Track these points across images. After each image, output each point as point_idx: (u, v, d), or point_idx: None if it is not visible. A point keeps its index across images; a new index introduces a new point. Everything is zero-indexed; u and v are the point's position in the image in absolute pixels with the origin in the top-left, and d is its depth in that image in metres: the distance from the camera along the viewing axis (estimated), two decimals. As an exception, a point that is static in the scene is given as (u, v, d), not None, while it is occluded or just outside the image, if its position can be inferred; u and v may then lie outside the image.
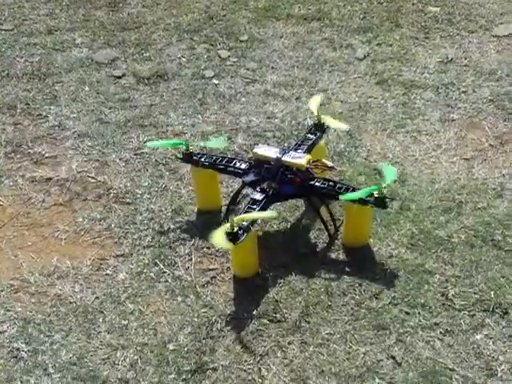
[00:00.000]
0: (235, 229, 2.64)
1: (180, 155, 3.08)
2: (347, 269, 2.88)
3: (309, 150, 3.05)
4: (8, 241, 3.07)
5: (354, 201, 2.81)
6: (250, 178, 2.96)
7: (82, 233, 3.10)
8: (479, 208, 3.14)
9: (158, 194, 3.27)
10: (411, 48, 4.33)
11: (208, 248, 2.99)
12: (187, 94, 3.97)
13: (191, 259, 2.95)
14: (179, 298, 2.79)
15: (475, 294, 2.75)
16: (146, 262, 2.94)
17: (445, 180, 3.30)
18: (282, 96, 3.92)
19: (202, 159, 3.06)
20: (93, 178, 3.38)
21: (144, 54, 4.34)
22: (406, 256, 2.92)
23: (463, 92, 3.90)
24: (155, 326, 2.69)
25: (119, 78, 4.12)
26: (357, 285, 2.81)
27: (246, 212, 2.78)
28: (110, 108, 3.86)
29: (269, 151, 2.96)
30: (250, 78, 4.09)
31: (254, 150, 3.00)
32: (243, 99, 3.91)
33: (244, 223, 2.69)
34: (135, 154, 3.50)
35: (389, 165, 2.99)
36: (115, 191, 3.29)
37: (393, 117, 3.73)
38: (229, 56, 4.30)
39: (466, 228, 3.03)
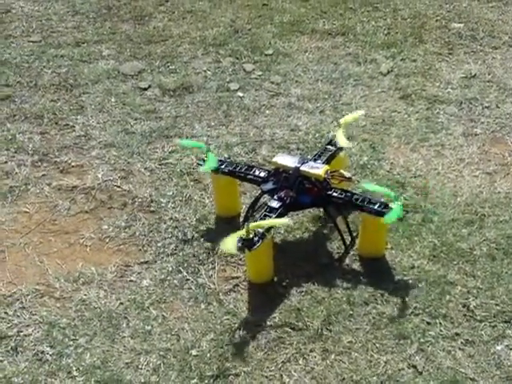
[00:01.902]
0: (251, 235, 2.67)
1: (201, 162, 3.12)
2: (369, 279, 2.90)
3: (328, 161, 3.09)
4: (34, 247, 3.11)
5: (369, 212, 2.84)
6: (269, 186, 2.99)
7: (107, 240, 3.13)
8: (501, 221, 3.15)
9: (183, 203, 3.30)
10: (435, 63, 4.36)
11: (231, 256, 3.01)
12: (212, 106, 4.01)
13: (214, 267, 2.98)
14: (202, 305, 2.82)
15: (496, 305, 2.76)
16: (170, 269, 2.97)
17: (467, 193, 3.32)
18: (306, 109, 3.95)
19: (222, 166, 3.09)
20: (118, 186, 3.42)
21: (170, 67, 4.39)
22: (427, 267, 2.93)
23: (486, 107, 3.93)
24: (178, 331, 2.71)
25: (145, 89, 4.17)
26: (378, 295, 2.82)
27: (262, 219, 2.81)
28: (135, 119, 3.90)
29: (288, 160, 3.00)
30: (275, 91, 4.13)
31: (274, 159, 3.04)
32: (267, 112, 3.95)
33: (259, 230, 2.72)
34: (160, 164, 3.54)
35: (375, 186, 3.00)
36: (140, 200, 3.33)
37: (416, 131, 3.75)
38: (254, 69, 4.35)
39: (487, 241, 3.05)
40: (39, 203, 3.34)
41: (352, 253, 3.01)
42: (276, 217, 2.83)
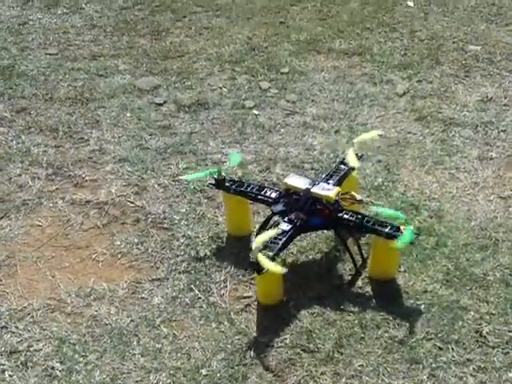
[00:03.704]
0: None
1: (213, 181, 3.11)
2: (381, 302, 2.88)
3: (340, 182, 3.08)
4: (46, 261, 3.11)
5: (380, 235, 2.84)
6: (279, 207, 2.98)
7: (119, 256, 3.13)
8: (515, 247, 3.14)
9: (196, 221, 3.29)
10: (451, 86, 4.35)
11: (243, 276, 3.00)
12: (227, 123, 4.01)
13: (226, 286, 2.97)
14: (213, 324, 2.81)
15: (509, 331, 2.74)
16: (182, 287, 2.96)
17: (481, 218, 3.30)
18: (322, 129, 3.94)
19: (234, 186, 3.09)
20: (131, 202, 3.42)
21: (185, 83, 4.39)
22: (440, 292, 2.92)
23: (502, 131, 3.91)
24: (189, 350, 2.70)
25: (160, 105, 4.17)
26: (391, 318, 2.81)
27: (272, 242, 2.79)
28: (150, 134, 3.90)
29: (299, 182, 2.99)
30: (290, 109, 4.13)
31: (285, 180, 3.03)
32: (282, 130, 3.94)
33: (270, 254, 2.71)
34: (174, 181, 3.54)
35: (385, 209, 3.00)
36: (153, 216, 3.32)
37: (431, 153, 3.74)
38: (269, 87, 4.35)
39: (501, 266, 3.03)
40: (52, 217, 3.34)
41: (364, 275, 3.00)
42: (287, 240, 2.83)
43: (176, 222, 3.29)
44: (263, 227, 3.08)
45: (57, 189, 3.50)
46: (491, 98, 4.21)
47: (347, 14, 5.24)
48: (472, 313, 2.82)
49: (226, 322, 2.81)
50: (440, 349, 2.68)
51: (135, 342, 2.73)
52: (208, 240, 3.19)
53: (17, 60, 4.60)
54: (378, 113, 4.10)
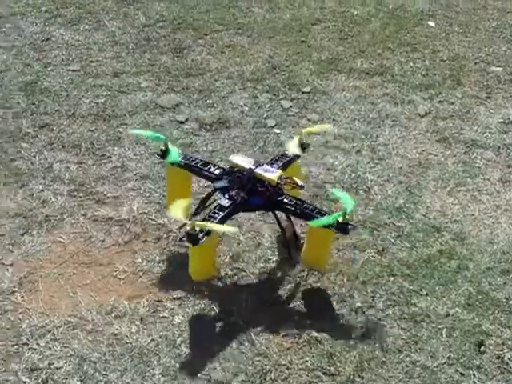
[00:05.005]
0: (196, 230, 2.69)
1: (159, 152, 3.15)
2: (403, 325, 2.87)
3: (284, 166, 3.10)
4: (68, 278, 3.11)
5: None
6: (222, 183, 3.02)
7: (141, 274, 3.13)
8: (538, 271, 3.13)
9: (217, 240, 3.30)
10: (473, 107, 4.34)
11: (264, 296, 3.00)
12: (248, 141, 4.01)
13: (247, 306, 2.96)
14: (234, 345, 2.80)
15: (532, 358, 2.73)
16: (203, 306, 2.96)
17: (504, 241, 3.29)
18: (343, 149, 3.94)
19: (179, 159, 3.12)
20: (153, 220, 3.42)
21: (207, 101, 4.40)
22: (462, 316, 2.91)
23: (524, 153, 3.91)
24: (209, 371, 2.70)
25: (182, 122, 4.18)
26: (412, 342, 2.80)
27: (210, 216, 2.82)
28: (172, 152, 3.91)
29: (244, 161, 3.02)
30: (311, 129, 4.12)
31: (230, 158, 3.08)
32: (304, 150, 3.94)
33: (206, 227, 2.73)
34: (196, 199, 3.54)
35: (342, 193, 2.99)
36: (175, 234, 3.32)
37: (453, 175, 3.74)
38: (291, 106, 4.35)
39: (524, 291, 3.02)
40: (74, 234, 3.35)
41: (385, 297, 2.99)
42: (225, 215, 2.85)
43: (197, 240, 3.29)
44: (203, 203, 3.13)
45: (79, 205, 3.51)
46: (513, 120, 4.21)
47: (368, 33, 5.24)
48: (494, 338, 2.81)
49: (246, 343, 2.81)
50: (462, 374, 2.67)
51: (156, 362, 2.73)
52: (229, 259, 3.19)
53: (40, 76, 4.61)
54: (400, 133, 4.10)
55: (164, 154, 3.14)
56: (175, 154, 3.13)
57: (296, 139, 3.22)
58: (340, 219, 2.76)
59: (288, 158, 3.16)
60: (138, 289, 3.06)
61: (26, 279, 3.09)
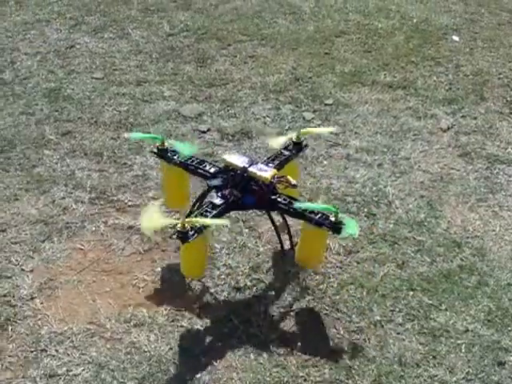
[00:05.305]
0: (187, 228, 2.67)
1: (155, 150, 3.16)
2: (422, 340, 2.86)
3: (280, 166, 3.10)
4: (87, 285, 3.12)
5: (310, 221, 2.83)
6: (216, 182, 3.01)
7: (160, 283, 3.13)
8: (559, 289, 3.11)
9: (236, 250, 3.29)
10: (496, 122, 4.33)
11: (283, 307, 3.00)
12: (270, 152, 4.00)
13: (266, 317, 2.96)
14: (252, 356, 2.80)
15: (552, 376, 2.71)
16: (221, 316, 2.96)
17: (525, 257, 3.28)
18: (364, 161, 3.94)
19: (175, 157, 3.13)
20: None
21: (229, 111, 4.41)
22: (482, 331, 2.89)
23: (547, 170, 3.90)
24: (227, 381, 2.70)
25: (204, 132, 4.19)
26: (431, 357, 2.79)
27: (202, 214, 2.81)
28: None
29: (238, 159, 3.02)
30: (333, 141, 4.12)
31: (224, 156, 3.08)
32: (325, 162, 3.94)
33: (197, 224, 2.71)
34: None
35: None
36: (194, 244, 3.32)
37: (474, 190, 3.72)
38: (313, 118, 4.35)
39: (544, 308, 3.00)
40: (94, 241, 3.36)
41: (404, 311, 2.98)
42: (217, 213, 2.84)
43: (217, 250, 3.29)
44: (199, 201, 3.13)
45: (99, 213, 3.52)
46: (536, 136, 4.19)
47: (392, 47, 5.23)
48: (513, 354, 2.80)
49: (264, 354, 2.80)
50: (480, 390, 2.66)
51: (173, 371, 2.73)
52: (248, 270, 3.19)
53: (63, 83, 4.64)
54: (422, 147, 4.08)
55: (162, 152, 3.16)
56: (187, 147, 3.14)
57: (286, 137, 3.23)
58: (332, 217, 2.77)
59: (284, 157, 3.16)
60: (157, 297, 3.06)
61: (46, 285, 3.10)
